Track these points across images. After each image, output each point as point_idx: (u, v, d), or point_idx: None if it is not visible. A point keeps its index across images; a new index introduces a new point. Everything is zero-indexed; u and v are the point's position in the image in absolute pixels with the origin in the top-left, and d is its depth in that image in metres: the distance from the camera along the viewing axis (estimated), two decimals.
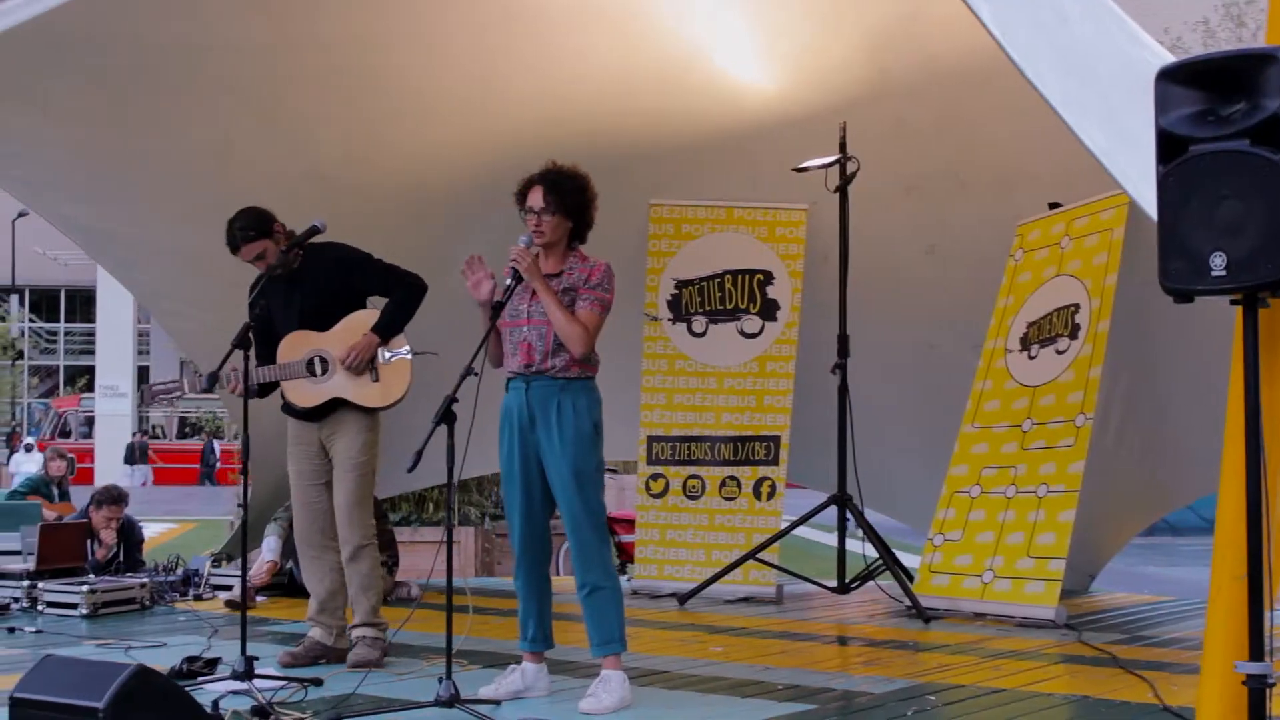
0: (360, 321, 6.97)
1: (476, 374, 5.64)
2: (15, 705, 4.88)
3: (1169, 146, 4.36)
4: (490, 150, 8.66)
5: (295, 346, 6.95)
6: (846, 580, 9.31)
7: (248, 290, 7.00)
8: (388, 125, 8.59)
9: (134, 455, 39.46)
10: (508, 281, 5.93)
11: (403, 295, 6.99)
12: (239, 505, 6.84)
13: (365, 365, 6.89)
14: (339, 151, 8.67)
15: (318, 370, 6.91)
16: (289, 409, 7.05)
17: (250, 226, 6.90)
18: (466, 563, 12.00)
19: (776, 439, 9.78)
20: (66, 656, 5.24)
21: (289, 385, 6.97)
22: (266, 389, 7.06)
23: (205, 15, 7.36)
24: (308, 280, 6.95)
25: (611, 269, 6.02)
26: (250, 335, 6.40)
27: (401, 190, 9.04)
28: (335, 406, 6.95)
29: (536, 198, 5.97)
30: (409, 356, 6.94)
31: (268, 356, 6.96)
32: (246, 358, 6.42)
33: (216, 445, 40.41)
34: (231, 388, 6.71)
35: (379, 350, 6.92)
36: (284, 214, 7.07)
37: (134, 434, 41.12)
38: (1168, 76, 4.42)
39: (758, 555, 9.30)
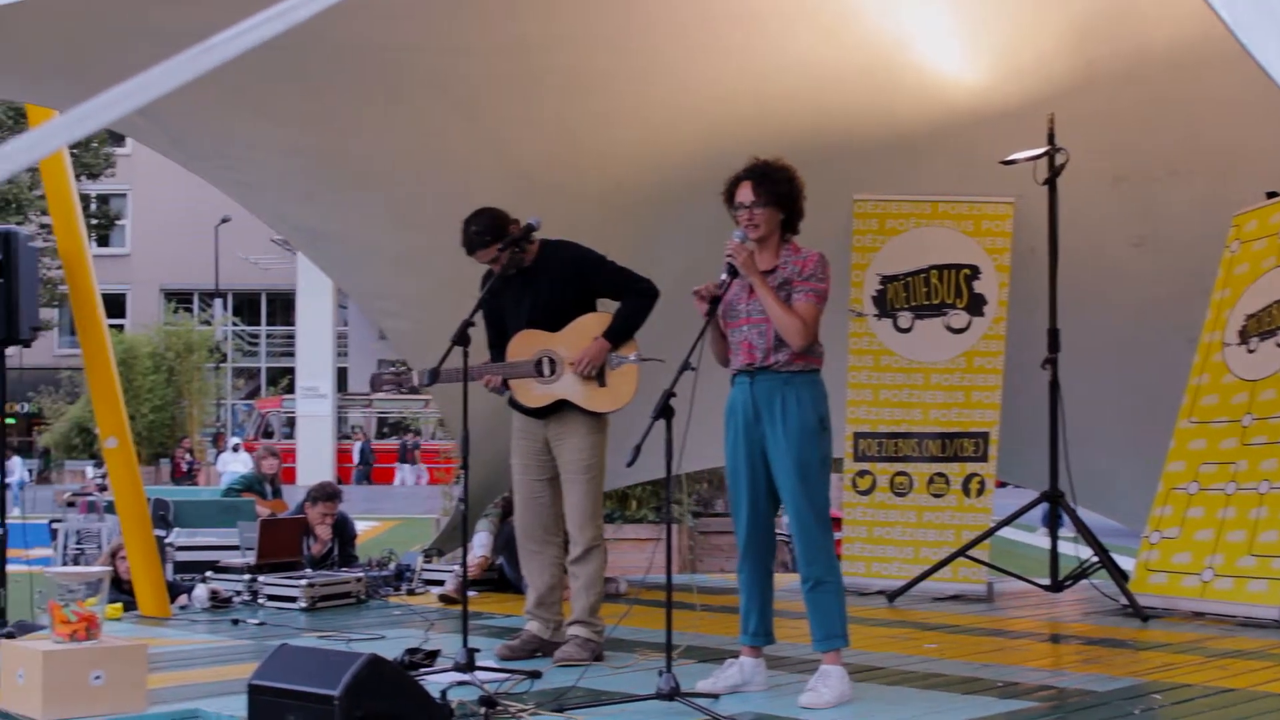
0: (590, 324, 6.94)
1: (693, 369, 5.66)
2: (253, 692, 5.02)
3: None
4: (691, 149, 8.68)
5: (524, 345, 6.96)
6: (1059, 578, 9.16)
7: (458, 288, 7.08)
8: (591, 127, 8.64)
9: (405, 454, 40.40)
10: (723, 277, 5.95)
11: (635, 301, 6.96)
12: (459, 500, 6.91)
13: (597, 369, 6.89)
14: (544, 153, 8.74)
15: (546, 371, 6.90)
16: (515, 403, 7.10)
17: (486, 231, 6.92)
18: (672, 559, 12.01)
19: (985, 435, 9.67)
20: (301, 646, 5.37)
21: (516, 384, 6.97)
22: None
23: (416, 19, 7.47)
24: (542, 278, 6.98)
25: (825, 259, 6.00)
26: (468, 333, 6.48)
27: (604, 191, 9.10)
28: (562, 406, 6.95)
29: (746, 193, 5.98)
30: (637, 363, 6.88)
31: (499, 353, 7.02)
32: (466, 354, 6.49)
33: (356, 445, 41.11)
34: (486, 381, 6.80)
35: (609, 355, 6.88)
36: None
37: (405, 433, 42.08)
38: None
39: (968, 552, 9.20)
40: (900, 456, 9.81)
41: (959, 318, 9.87)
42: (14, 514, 24.41)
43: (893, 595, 9.20)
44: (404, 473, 41.07)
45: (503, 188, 8.39)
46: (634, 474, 10.80)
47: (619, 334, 6.90)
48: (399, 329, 10.15)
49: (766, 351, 5.88)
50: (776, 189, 5.98)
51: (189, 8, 6.19)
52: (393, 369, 8.37)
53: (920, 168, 9.79)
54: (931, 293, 9.93)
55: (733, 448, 5.98)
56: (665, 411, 5.64)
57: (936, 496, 9.69)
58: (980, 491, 9.62)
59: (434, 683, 5.86)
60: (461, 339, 6.46)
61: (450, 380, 6.65)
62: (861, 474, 9.87)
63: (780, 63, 8.31)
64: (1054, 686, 6.21)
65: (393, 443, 43.95)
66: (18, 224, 33.76)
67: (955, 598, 9.37)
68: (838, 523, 10.36)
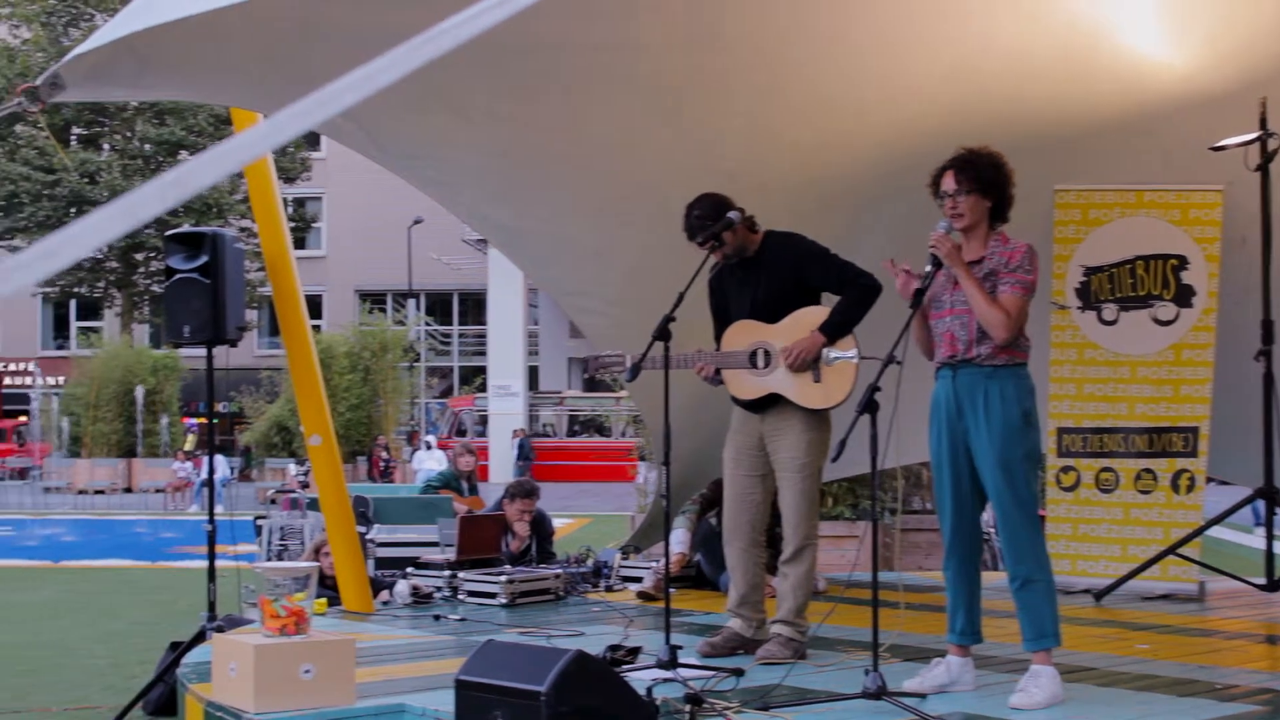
0: (809, 318, 6.82)
1: (898, 362, 5.57)
2: (461, 687, 5.04)
3: None
4: (889, 141, 8.57)
5: (741, 335, 6.89)
6: (1275, 577, 8.86)
7: (654, 283, 7.02)
8: (789, 121, 8.55)
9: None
10: (927, 268, 5.84)
11: (854, 295, 6.81)
12: (660, 496, 6.88)
13: (808, 364, 6.76)
14: (741, 148, 8.68)
15: (760, 362, 6.82)
16: (734, 397, 7.03)
17: (707, 215, 6.87)
18: (866, 557, 11.85)
19: (1195, 430, 9.39)
20: (507, 642, 5.39)
21: (729, 374, 6.90)
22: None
23: (612, 18, 7.46)
24: (765, 269, 6.91)
25: (1033, 250, 5.87)
26: (669, 328, 6.44)
27: (802, 185, 9.01)
28: (777, 401, 6.86)
29: (949, 181, 5.88)
30: (855, 360, 6.74)
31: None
32: (666, 349, 6.46)
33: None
34: (699, 369, 6.76)
35: (824, 350, 6.76)
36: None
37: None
38: None
39: (1178, 550, 8.94)
40: (1105, 452, 9.56)
41: (1166, 309, 9.60)
42: (219, 510, 25.10)
43: (1100, 594, 8.98)
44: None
45: (699, 183, 8.33)
46: (834, 470, 10.69)
47: (836, 328, 6.77)
48: (594, 324, 10.15)
49: (969, 344, 5.76)
50: (981, 176, 5.87)
51: (408, 10, 6.26)
52: (610, 353, 8.35)
53: (1124, 156, 9.55)
54: (1137, 284, 9.67)
55: (936, 443, 5.87)
56: (870, 406, 5.55)
57: (1144, 493, 9.43)
58: (1190, 488, 9.35)
59: (638, 679, 5.84)
60: (662, 334, 6.43)
61: (654, 366, 6.58)
62: (1065, 470, 9.64)
63: (980, 51, 8.15)
64: (1273, 689, 6.01)
65: (577, 441, 44.19)
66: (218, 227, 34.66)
67: (1165, 597, 9.12)
68: (1041, 520, 10.16)
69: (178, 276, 8.19)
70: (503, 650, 5.09)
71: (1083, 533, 9.52)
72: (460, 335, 55.90)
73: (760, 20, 7.64)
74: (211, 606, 8.08)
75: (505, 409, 42.98)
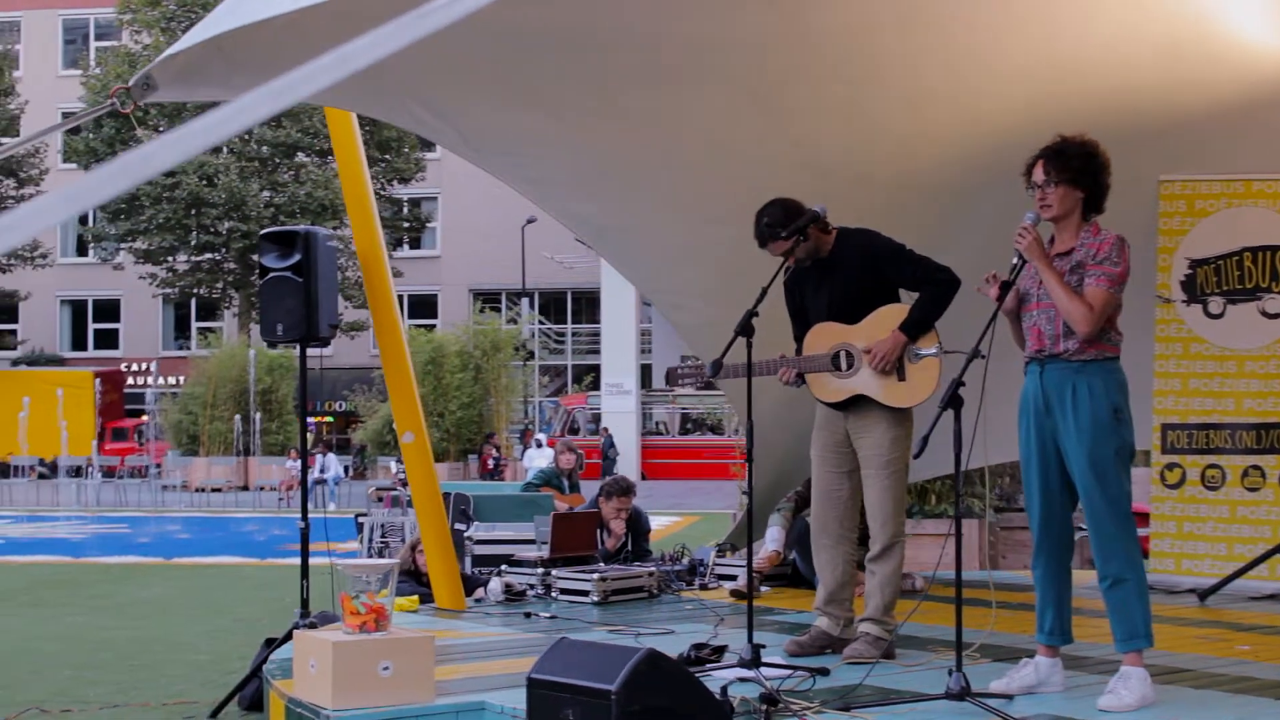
0: (890, 316, 6.73)
1: (983, 356, 5.45)
2: (532, 685, 5.00)
3: None
4: (986, 131, 8.42)
5: (822, 338, 6.82)
6: None
7: (747, 279, 6.93)
8: (886, 113, 8.44)
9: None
10: (1014, 261, 5.72)
11: (934, 291, 6.71)
12: (744, 493, 6.80)
13: (893, 364, 6.69)
14: (837, 141, 8.58)
15: (843, 365, 6.74)
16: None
17: (777, 223, 6.78)
18: (971, 556, 11.72)
19: None
20: (580, 640, 5.34)
21: (813, 378, 6.82)
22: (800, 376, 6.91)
23: (704, 12, 7.40)
24: (840, 268, 6.83)
25: (1124, 240, 5.72)
26: (752, 324, 6.37)
27: (897, 176, 8.89)
28: (861, 398, 6.76)
29: (1039, 172, 5.77)
30: (938, 356, 6.64)
31: (802, 335, 6.90)
32: (750, 345, 6.38)
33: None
34: (782, 375, 6.70)
35: (908, 348, 6.68)
36: None
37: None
38: None
39: None
40: (1212, 448, 9.35)
41: (1275, 302, 9.36)
42: (330, 508, 25.37)
43: (1204, 594, 8.77)
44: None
45: (794, 177, 8.27)
46: (931, 467, 10.56)
47: (917, 326, 6.66)
48: (686, 321, 10.09)
49: (1055, 338, 5.63)
50: (1071, 166, 5.73)
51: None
52: (689, 362, 8.28)
53: (1232, 145, 9.34)
54: (1245, 276, 9.44)
55: (1025, 439, 5.75)
56: (954, 401, 5.44)
57: (1251, 490, 9.21)
58: None
59: (716, 679, 5.77)
60: (745, 330, 6.36)
61: (735, 375, 6.54)
62: (1170, 467, 9.44)
63: (1083, 38, 7.99)
64: None
65: (691, 439, 44.14)
66: (333, 229, 35.05)
67: (1273, 597, 8.89)
68: (1145, 518, 9.94)
69: (271, 275, 8.24)
70: (575, 648, 5.04)
71: (1188, 531, 9.32)
72: (574, 334, 56.05)
73: (856, 11, 7.54)
74: (304, 603, 8.11)
75: (618, 407, 43.02)
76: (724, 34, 7.53)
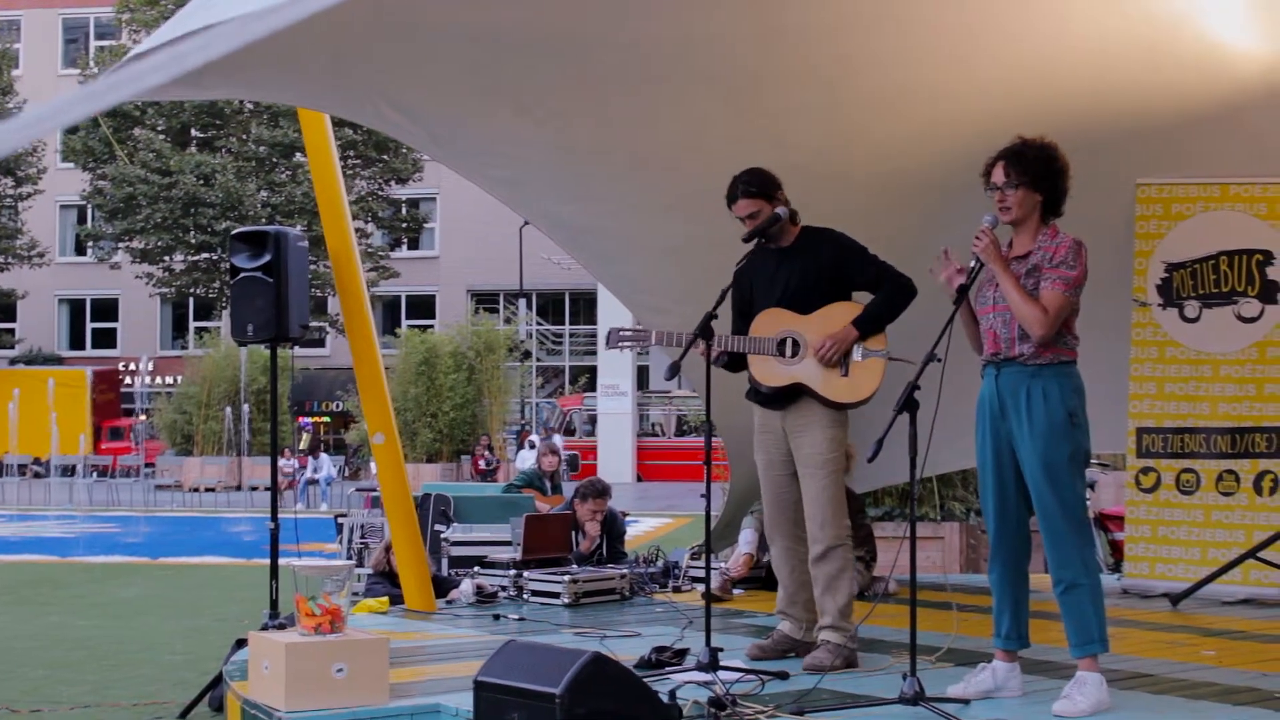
0: (841, 312, 6.70)
1: (939, 360, 5.43)
2: (479, 688, 4.98)
3: None
4: (962, 132, 8.37)
5: (770, 323, 6.77)
6: None
7: (723, 280, 6.90)
8: (864, 114, 8.40)
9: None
10: (972, 264, 5.70)
11: (890, 292, 6.69)
12: (701, 496, 6.77)
13: (839, 358, 6.65)
14: (815, 142, 8.55)
15: (788, 351, 6.69)
16: (753, 394, 6.91)
17: (753, 184, 6.85)
18: (950, 559, 11.70)
19: (1279, 430, 9.12)
20: (528, 642, 5.32)
21: (755, 360, 6.76)
22: (737, 362, 6.89)
23: (683, 12, 7.38)
24: (801, 258, 6.80)
25: (1081, 244, 5.69)
26: (712, 325, 6.35)
27: (875, 178, 8.86)
28: (799, 396, 6.73)
29: (999, 173, 5.76)
30: (885, 359, 6.60)
31: (742, 329, 6.86)
32: (709, 348, 6.36)
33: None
34: (701, 350, 6.60)
35: (855, 345, 6.65)
36: None
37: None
38: None
39: (1259, 554, 8.68)
40: (1187, 452, 9.32)
41: (1250, 306, 9.33)
42: (322, 508, 25.28)
43: (1176, 598, 8.75)
44: None
45: None
46: (889, 474, 10.52)
47: (870, 322, 6.65)
48: (664, 323, 10.02)
49: (1011, 342, 5.62)
50: (1031, 169, 5.71)
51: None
52: (631, 328, 8.24)
53: (1208, 148, 9.30)
54: (1221, 280, 9.41)
55: (981, 443, 5.73)
56: (909, 405, 5.42)
57: (1226, 495, 9.18)
58: (1274, 490, 9.09)
59: (671, 681, 5.75)
60: (705, 332, 6.34)
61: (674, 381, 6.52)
62: (1145, 471, 9.41)
63: (1058, 41, 7.97)
64: None
65: (686, 440, 44.09)
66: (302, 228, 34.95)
67: (1246, 602, 8.87)
68: (1120, 521, 9.93)
69: (242, 275, 8.21)
70: (522, 651, 5.03)
71: (1162, 535, 9.30)
72: (571, 335, 56.02)
73: (833, 11, 7.52)
74: (274, 604, 8.09)
75: (614, 408, 43.00)
76: (701, 34, 7.51)
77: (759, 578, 9.51)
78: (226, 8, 6.46)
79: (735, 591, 9.30)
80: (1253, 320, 9.30)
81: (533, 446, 31.48)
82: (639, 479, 41.50)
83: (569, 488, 12.98)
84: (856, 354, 6.61)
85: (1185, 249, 9.49)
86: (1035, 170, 5.70)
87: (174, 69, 1.52)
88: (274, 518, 8.32)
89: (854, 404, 6.69)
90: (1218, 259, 9.42)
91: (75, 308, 56.66)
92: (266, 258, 8.15)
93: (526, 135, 8.31)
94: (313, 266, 24.45)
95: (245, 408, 37.22)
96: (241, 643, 7.87)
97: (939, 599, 7.84)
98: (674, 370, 6.41)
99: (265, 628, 7.57)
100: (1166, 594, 8.90)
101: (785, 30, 7.56)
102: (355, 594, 8.74)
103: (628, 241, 9.32)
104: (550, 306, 56.04)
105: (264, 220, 41.03)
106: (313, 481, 30.63)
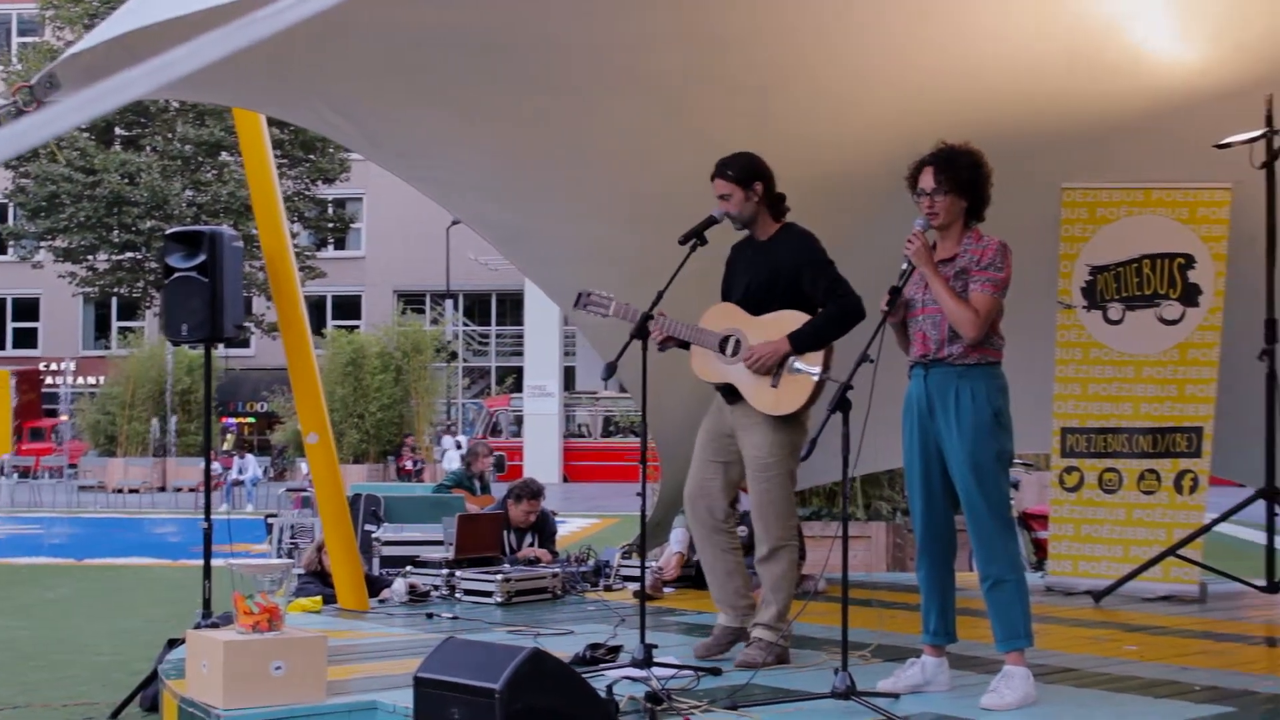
0: (789, 320, 6.65)
1: (872, 360, 5.52)
2: (419, 684, 5.03)
3: None
4: (892, 136, 8.44)
5: (720, 318, 6.80)
6: (1278, 579, 8.76)
7: (656, 282, 6.92)
8: (794, 119, 8.48)
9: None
10: (903, 267, 5.80)
11: (832, 312, 6.63)
12: (637, 494, 6.81)
13: (768, 368, 6.62)
14: (747, 145, 8.54)
15: (729, 350, 6.71)
16: None
17: (730, 167, 6.90)
18: (877, 558, 11.84)
19: (1199, 430, 9.31)
20: (467, 639, 5.38)
21: (697, 352, 6.78)
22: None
23: (613, 16, 7.42)
24: (767, 258, 6.80)
25: (1006, 246, 5.81)
26: (648, 327, 6.41)
27: (806, 179, 8.87)
28: (741, 396, 6.75)
29: (927, 179, 5.84)
30: (815, 377, 6.57)
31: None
32: (645, 348, 6.42)
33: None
34: (655, 331, 6.62)
35: (790, 359, 6.60)
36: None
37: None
38: None
39: (1179, 551, 8.85)
40: (1109, 452, 9.49)
41: (1172, 309, 9.51)
42: (249, 509, 25.17)
43: (1099, 595, 8.90)
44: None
45: (703, 181, 8.31)
46: (836, 472, 10.61)
47: (805, 340, 6.59)
48: (597, 324, 10.09)
49: (940, 343, 5.72)
50: (959, 176, 5.82)
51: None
52: (600, 293, 8.20)
53: (1132, 154, 9.46)
54: (1143, 283, 9.59)
55: (909, 442, 5.83)
56: (842, 404, 5.51)
57: (1147, 494, 9.35)
58: (1193, 489, 9.26)
59: (608, 678, 5.82)
60: (641, 332, 6.40)
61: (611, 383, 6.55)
62: (1069, 470, 9.57)
63: (987, 47, 8.07)
64: (1260, 692, 5.95)
65: (613, 442, 44.15)
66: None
67: (1166, 598, 9.04)
68: (1044, 520, 10.08)
69: (176, 275, 8.20)
70: (461, 648, 5.08)
71: (1085, 533, 9.45)
72: (498, 335, 55.97)
73: (763, 16, 7.59)
74: (206, 604, 8.10)
75: (541, 409, 43.00)
76: (630, 39, 7.56)
77: (690, 576, 9.58)
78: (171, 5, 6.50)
79: (666, 590, 9.38)
80: (1174, 323, 9.48)
81: (459, 447, 31.49)
82: (565, 480, 41.51)
83: (498, 489, 13.06)
84: (790, 367, 6.60)
85: (1109, 252, 9.65)
86: (965, 177, 5.81)
87: (162, 76, 1.58)
88: (208, 517, 8.32)
89: (777, 416, 6.65)
90: (1140, 262, 9.59)
91: None
92: (201, 258, 8.14)
93: (460, 136, 8.34)
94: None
95: (170, 406, 36.96)
96: (174, 642, 7.87)
97: (878, 597, 7.95)
98: (610, 370, 6.48)
99: (199, 627, 7.59)
100: (1089, 591, 9.05)
101: (713, 36, 7.63)
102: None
103: (562, 244, 9.36)
104: (477, 307, 55.98)
105: (189, 220, 40.70)
106: (238, 482, 30.43)
